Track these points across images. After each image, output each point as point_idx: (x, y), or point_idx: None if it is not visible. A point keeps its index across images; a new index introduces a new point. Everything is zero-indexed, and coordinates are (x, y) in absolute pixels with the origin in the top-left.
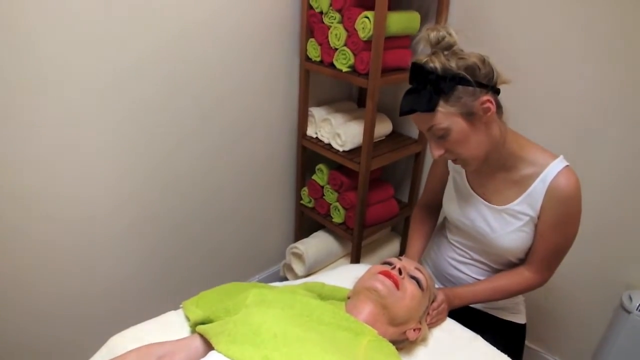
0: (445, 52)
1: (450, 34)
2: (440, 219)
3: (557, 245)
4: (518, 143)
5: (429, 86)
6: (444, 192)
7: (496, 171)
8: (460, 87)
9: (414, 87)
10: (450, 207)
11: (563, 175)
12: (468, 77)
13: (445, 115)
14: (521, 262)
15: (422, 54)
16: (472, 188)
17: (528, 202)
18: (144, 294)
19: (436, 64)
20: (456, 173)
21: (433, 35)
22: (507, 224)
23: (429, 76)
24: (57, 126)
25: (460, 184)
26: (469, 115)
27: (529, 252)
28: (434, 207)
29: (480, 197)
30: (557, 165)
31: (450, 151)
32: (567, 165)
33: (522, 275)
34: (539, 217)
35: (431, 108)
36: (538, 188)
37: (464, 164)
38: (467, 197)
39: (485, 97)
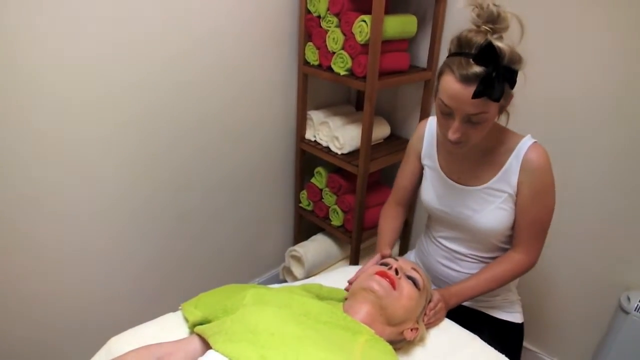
0: (496, 35)
1: (508, 12)
2: (422, 222)
3: (538, 218)
4: (493, 126)
5: (495, 72)
6: (415, 189)
7: (471, 155)
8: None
9: (489, 71)
10: (429, 198)
11: (534, 150)
12: (520, 70)
13: (495, 106)
14: (506, 245)
15: (469, 29)
16: (446, 175)
17: (504, 179)
18: (142, 297)
19: (504, 48)
20: (429, 164)
21: (495, 10)
22: (487, 202)
23: (497, 61)
24: (56, 135)
25: (435, 175)
26: (501, 108)
27: (512, 236)
28: (404, 204)
29: (457, 182)
30: (526, 142)
31: (467, 135)
32: (535, 141)
33: (512, 259)
34: (517, 194)
35: (500, 99)
36: (513, 164)
37: (463, 147)
38: (443, 185)
39: (512, 91)
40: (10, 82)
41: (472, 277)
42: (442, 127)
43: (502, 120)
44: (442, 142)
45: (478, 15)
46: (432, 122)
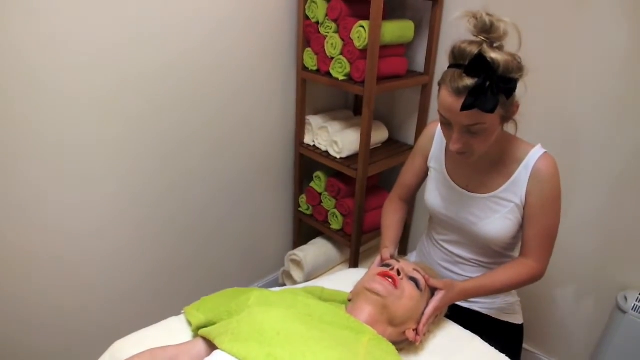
0: (495, 44)
1: (503, 21)
2: (422, 224)
3: (548, 226)
4: (502, 136)
5: (489, 83)
6: (417, 187)
7: (479, 163)
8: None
9: (479, 82)
10: (433, 201)
11: (543, 160)
12: (519, 81)
13: (494, 116)
14: (507, 251)
15: (463, 40)
16: (453, 181)
17: (512, 190)
18: (144, 302)
19: (498, 58)
20: (436, 168)
21: (488, 19)
22: (492, 211)
23: (490, 72)
24: (55, 137)
25: (441, 178)
26: (504, 118)
27: (516, 244)
28: (406, 200)
29: (464, 189)
30: (537, 152)
31: (469, 145)
32: (546, 152)
33: (526, 265)
34: (525, 205)
35: (493, 110)
36: (522, 174)
37: (469, 157)
38: (449, 190)
39: (516, 100)
40: (11, 85)
41: (486, 277)
42: (445, 137)
43: (510, 130)
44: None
45: (474, 26)
46: None
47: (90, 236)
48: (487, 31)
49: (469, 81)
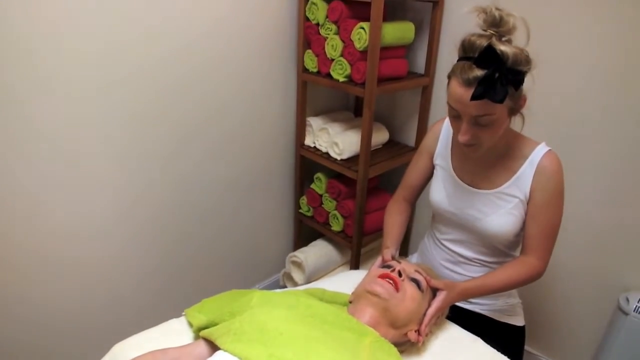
0: (504, 38)
1: (512, 16)
2: (422, 225)
3: (550, 223)
4: (508, 132)
5: (498, 74)
6: (422, 187)
7: (485, 158)
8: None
9: (489, 73)
10: (439, 199)
11: (548, 157)
12: (527, 74)
13: (502, 108)
14: (510, 250)
15: (473, 33)
16: (459, 177)
17: (517, 185)
18: (145, 304)
19: (507, 50)
20: (442, 165)
21: (497, 13)
22: (497, 207)
23: (499, 64)
24: (55, 139)
25: (446, 175)
26: (512, 110)
27: (519, 242)
28: (411, 201)
29: (469, 185)
30: (541, 150)
31: (477, 137)
32: (550, 149)
33: (526, 263)
34: (528, 201)
35: (502, 100)
36: (527, 171)
37: (477, 150)
38: (454, 187)
39: (524, 94)
40: (12, 86)
41: (486, 277)
42: (454, 130)
43: (517, 123)
44: (458, 145)
45: (484, 21)
46: (448, 122)
47: (91, 238)
48: (497, 25)
49: (478, 72)
